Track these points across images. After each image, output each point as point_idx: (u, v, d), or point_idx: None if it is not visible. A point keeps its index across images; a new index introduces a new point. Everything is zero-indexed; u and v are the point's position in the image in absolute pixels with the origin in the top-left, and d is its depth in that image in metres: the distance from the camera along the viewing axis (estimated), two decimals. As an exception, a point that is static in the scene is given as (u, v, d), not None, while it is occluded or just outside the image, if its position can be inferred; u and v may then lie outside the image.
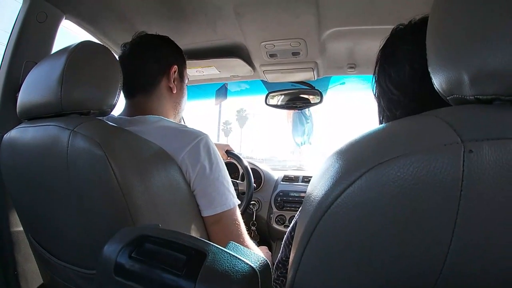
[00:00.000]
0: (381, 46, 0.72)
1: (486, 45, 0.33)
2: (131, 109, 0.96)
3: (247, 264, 0.36)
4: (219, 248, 0.38)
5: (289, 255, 0.77)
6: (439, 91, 0.42)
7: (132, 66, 0.93)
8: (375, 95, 0.72)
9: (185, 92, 1.09)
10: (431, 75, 0.43)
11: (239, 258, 0.36)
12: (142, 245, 0.38)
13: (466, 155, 0.30)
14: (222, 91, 2.12)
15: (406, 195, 0.31)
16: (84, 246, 0.78)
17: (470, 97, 0.36)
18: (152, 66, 0.98)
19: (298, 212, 0.75)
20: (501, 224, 0.30)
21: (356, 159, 0.34)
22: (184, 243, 0.38)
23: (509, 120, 0.32)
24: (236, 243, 0.40)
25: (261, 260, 0.38)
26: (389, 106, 0.68)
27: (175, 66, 1.01)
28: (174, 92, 1.01)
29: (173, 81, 1.00)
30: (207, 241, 0.39)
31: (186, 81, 1.10)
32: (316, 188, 0.36)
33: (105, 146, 0.66)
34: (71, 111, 0.76)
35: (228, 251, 0.37)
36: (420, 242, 0.31)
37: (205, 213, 0.85)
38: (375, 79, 0.71)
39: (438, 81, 0.42)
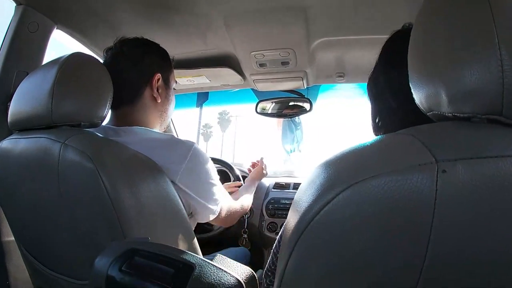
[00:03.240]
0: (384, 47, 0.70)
1: (463, 64, 0.35)
2: (117, 120, 0.96)
3: (233, 276, 0.37)
4: (206, 261, 0.39)
5: (277, 263, 0.78)
6: (419, 106, 0.44)
7: (114, 77, 0.87)
8: (370, 99, 0.72)
9: (172, 99, 1.07)
10: (412, 90, 0.44)
11: (225, 271, 0.38)
12: (132, 259, 0.40)
13: (439, 175, 0.31)
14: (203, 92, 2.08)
15: (381, 213, 0.32)
16: (76, 257, 0.78)
17: (448, 114, 0.38)
18: (134, 77, 0.96)
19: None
20: (472, 241, 0.32)
21: (335, 176, 0.36)
22: (172, 256, 0.39)
23: (483, 139, 0.34)
24: (223, 256, 0.41)
25: (247, 272, 0.39)
26: (381, 111, 0.68)
27: (158, 74, 0.99)
28: (159, 101, 0.99)
29: (157, 90, 0.98)
30: (194, 254, 0.40)
31: (173, 86, 1.08)
32: (300, 202, 0.37)
33: (95, 159, 0.67)
34: (62, 123, 0.77)
35: (215, 264, 0.39)
36: (395, 258, 0.33)
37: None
38: (372, 81, 0.70)
39: (418, 97, 0.43)
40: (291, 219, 0.38)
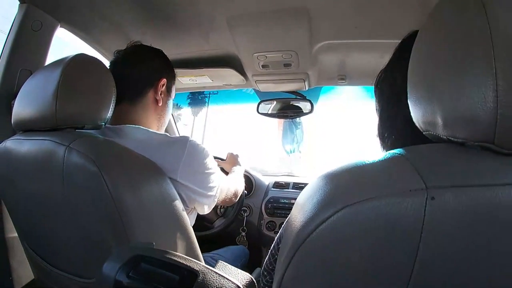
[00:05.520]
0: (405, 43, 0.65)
1: (460, 90, 0.36)
2: (115, 117, 0.96)
3: (234, 283, 0.39)
4: (209, 268, 0.40)
5: (275, 264, 0.79)
6: (416, 124, 0.45)
7: (122, 74, 0.94)
8: (379, 103, 0.68)
9: (170, 106, 1.11)
10: (410, 108, 0.45)
11: (227, 278, 0.39)
12: (138, 265, 0.41)
13: (428, 202, 0.32)
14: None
15: (372, 234, 0.34)
16: (79, 256, 0.80)
17: (443, 136, 0.39)
18: (142, 76, 1.00)
19: (285, 221, 0.76)
20: (456, 267, 0.33)
21: (331, 195, 0.37)
22: (177, 263, 0.41)
23: (474, 166, 0.35)
24: (224, 263, 0.43)
25: (247, 279, 0.41)
26: (393, 118, 0.63)
27: (164, 80, 1.03)
28: (160, 104, 1.02)
29: (160, 94, 1.02)
30: (197, 261, 0.42)
31: (173, 96, 1.12)
32: (298, 216, 0.39)
33: (99, 163, 0.68)
34: (66, 125, 0.78)
35: (217, 271, 0.40)
36: (382, 279, 0.34)
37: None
38: (388, 82, 0.65)
39: (415, 116, 0.44)
40: (289, 232, 0.40)
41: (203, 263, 0.67)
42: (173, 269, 0.40)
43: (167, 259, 0.41)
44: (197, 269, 0.40)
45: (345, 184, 0.38)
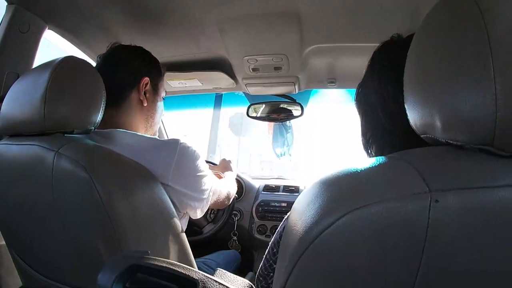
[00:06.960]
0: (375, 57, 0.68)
1: (459, 93, 0.36)
2: (102, 122, 0.92)
3: (235, 292, 0.38)
4: (208, 277, 0.40)
5: (270, 270, 0.79)
6: (413, 127, 0.45)
7: (103, 80, 0.87)
8: (359, 113, 0.70)
9: (160, 105, 1.08)
10: (407, 111, 0.45)
11: (226, 286, 0.38)
12: (135, 275, 0.40)
13: (432, 205, 0.32)
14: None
15: (377, 239, 0.34)
16: (69, 265, 0.78)
17: (442, 139, 0.39)
18: (121, 79, 0.97)
19: (281, 224, 0.76)
20: (461, 268, 0.33)
21: (334, 201, 0.37)
22: (175, 273, 0.40)
23: (474, 169, 0.35)
24: (223, 271, 0.42)
25: (247, 286, 0.40)
26: (373, 128, 0.66)
27: (146, 78, 1.00)
28: (145, 105, 0.99)
29: (144, 94, 0.99)
30: (196, 270, 0.41)
31: (163, 93, 1.09)
32: (298, 223, 0.38)
33: (90, 169, 0.67)
34: (54, 130, 0.76)
35: (216, 279, 0.39)
36: (387, 283, 0.34)
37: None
38: (363, 96, 0.69)
39: (412, 118, 0.44)
40: (290, 239, 0.39)
41: (196, 268, 0.67)
42: (171, 279, 0.39)
43: (164, 268, 0.40)
44: (196, 278, 0.39)
45: (347, 189, 0.38)
